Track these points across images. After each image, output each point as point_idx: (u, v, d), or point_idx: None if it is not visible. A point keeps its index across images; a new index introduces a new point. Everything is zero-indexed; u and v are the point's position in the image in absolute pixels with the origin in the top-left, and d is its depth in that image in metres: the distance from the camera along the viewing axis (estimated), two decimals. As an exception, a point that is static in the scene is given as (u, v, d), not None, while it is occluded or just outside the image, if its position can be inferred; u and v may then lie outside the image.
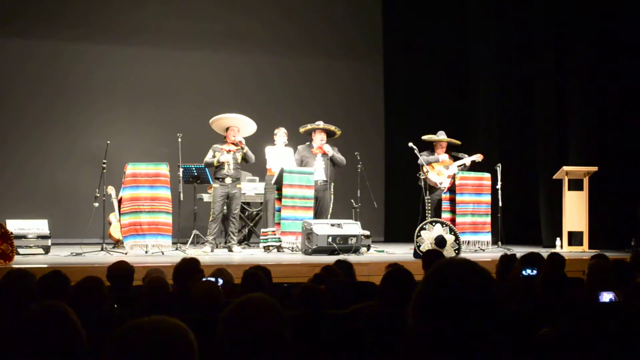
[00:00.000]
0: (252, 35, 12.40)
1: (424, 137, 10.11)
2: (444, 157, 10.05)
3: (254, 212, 10.79)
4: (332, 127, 9.64)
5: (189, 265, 4.69)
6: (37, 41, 11.46)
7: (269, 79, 12.52)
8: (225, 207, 9.33)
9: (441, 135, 10.11)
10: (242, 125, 9.34)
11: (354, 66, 13.08)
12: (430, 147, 10.15)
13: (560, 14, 11.27)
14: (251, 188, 10.07)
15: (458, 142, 10.22)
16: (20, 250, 8.17)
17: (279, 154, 9.55)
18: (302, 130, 9.69)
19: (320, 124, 9.61)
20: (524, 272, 4.45)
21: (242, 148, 9.19)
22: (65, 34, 11.55)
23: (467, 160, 10.01)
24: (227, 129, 9.25)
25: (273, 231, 9.25)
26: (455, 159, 10.08)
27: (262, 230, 9.53)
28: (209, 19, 12.21)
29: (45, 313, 1.88)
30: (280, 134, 9.61)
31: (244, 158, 9.28)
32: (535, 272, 4.40)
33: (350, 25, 13.05)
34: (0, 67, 11.36)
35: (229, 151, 9.14)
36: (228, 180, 9.11)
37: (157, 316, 1.58)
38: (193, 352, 1.56)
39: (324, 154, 9.52)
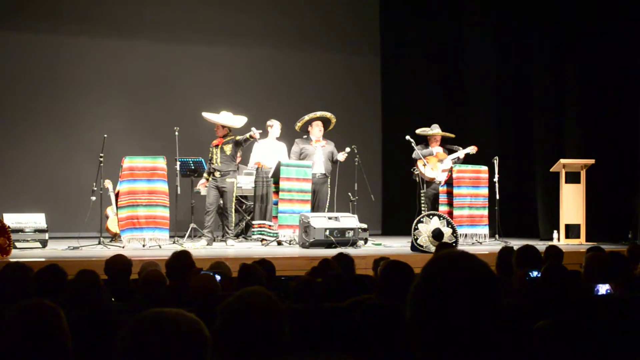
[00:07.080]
0: (249, 29, 12.36)
1: (418, 131, 10.11)
2: (438, 150, 10.04)
3: (251, 206, 10.76)
4: (328, 115, 9.60)
5: (181, 259, 4.69)
6: (34, 36, 11.41)
7: (266, 73, 12.48)
8: (220, 201, 9.29)
9: (435, 129, 10.10)
10: (232, 124, 9.25)
11: (351, 60, 13.04)
12: (424, 141, 10.14)
13: (559, 6, 11.25)
14: (248, 181, 10.03)
15: (452, 135, 10.22)
16: (18, 244, 8.17)
17: (270, 148, 9.48)
18: (298, 125, 9.63)
19: (317, 113, 9.59)
20: (530, 275, 4.41)
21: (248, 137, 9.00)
22: (64, 29, 11.49)
23: (460, 153, 10.00)
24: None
25: (268, 225, 9.22)
26: (450, 152, 10.08)
27: (254, 222, 9.45)
28: (205, 13, 12.17)
29: (29, 311, 1.87)
30: (276, 127, 9.56)
31: (239, 143, 9.11)
32: (539, 274, 4.36)
33: (346, 19, 13.01)
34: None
35: (216, 145, 9.07)
36: (217, 174, 9.06)
37: (175, 309, 1.58)
38: (207, 347, 1.55)
39: (323, 147, 9.51)
